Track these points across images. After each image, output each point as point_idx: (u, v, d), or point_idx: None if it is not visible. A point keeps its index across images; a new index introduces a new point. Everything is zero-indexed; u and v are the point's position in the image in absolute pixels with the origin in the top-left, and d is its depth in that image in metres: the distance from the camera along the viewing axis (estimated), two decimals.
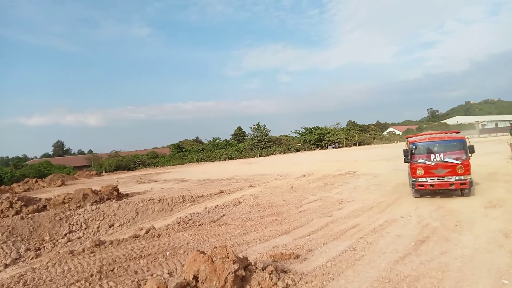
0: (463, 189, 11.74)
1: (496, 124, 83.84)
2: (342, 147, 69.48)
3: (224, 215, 12.38)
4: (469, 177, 11.49)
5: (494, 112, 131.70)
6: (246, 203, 14.43)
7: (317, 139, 71.19)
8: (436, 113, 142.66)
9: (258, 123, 72.47)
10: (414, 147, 12.28)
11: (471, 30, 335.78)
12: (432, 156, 11.88)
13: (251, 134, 73.71)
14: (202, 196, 16.97)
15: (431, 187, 11.82)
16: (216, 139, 75.77)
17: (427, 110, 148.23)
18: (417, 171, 11.93)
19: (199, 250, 5.79)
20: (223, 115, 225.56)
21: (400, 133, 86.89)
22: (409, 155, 12.32)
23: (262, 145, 68.73)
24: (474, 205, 10.58)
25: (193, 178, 28.66)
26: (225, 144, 73.41)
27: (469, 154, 11.63)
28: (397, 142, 70.13)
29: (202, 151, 69.60)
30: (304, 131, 75.87)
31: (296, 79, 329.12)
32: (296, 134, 79.27)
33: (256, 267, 5.89)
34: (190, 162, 61.52)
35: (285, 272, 6.15)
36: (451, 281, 5.39)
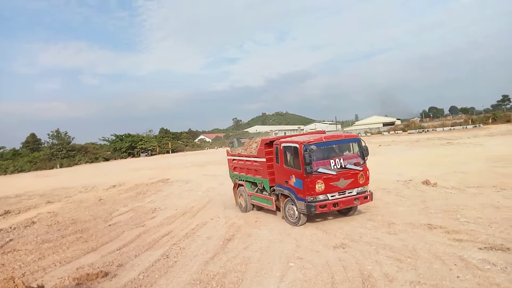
0: (356, 207, 9.11)
1: (285, 133, 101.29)
2: (155, 154, 68.95)
3: (11, 239, 10.20)
4: (368, 187, 8.90)
5: (283, 122, 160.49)
6: (42, 222, 12.35)
7: (129, 146, 68.45)
8: (240, 123, 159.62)
9: (58, 129, 64.49)
10: (307, 150, 8.04)
11: (264, 51, 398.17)
12: (332, 162, 8.39)
13: (48, 142, 64.56)
14: None
15: (334, 207, 8.26)
16: None
17: (233, 119, 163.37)
18: (317, 186, 8.09)
19: None
20: (8, 119, 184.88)
21: (210, 140, 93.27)
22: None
23: (63, 155, 61.27)
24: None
25: None
26: (12, 154, 61.93)
27: (366, 158, 8.87)
28: (207, 149, 74.96)
29: None
30: (115, 138, 71.59)
31: (105, 83, 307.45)
32: (106, 142, 74.39)
33: None
34: None
35: None
36: (252, 272, 6.09)
